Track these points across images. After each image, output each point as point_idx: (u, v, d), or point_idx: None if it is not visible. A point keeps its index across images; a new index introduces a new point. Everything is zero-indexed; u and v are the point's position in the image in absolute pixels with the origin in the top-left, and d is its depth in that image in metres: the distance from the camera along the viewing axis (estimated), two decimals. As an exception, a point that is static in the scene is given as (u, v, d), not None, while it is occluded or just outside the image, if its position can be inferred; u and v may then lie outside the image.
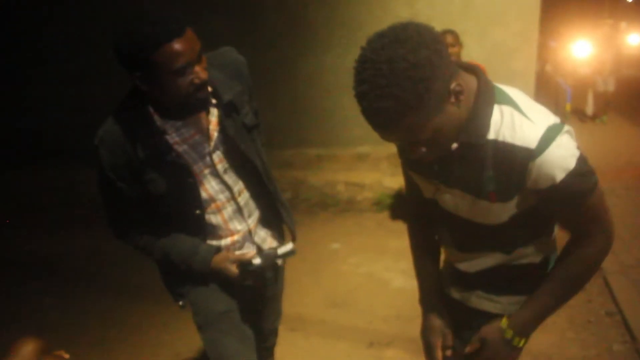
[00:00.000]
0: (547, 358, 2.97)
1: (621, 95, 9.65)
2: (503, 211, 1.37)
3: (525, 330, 1.46)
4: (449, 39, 4.02)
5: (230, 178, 1.80)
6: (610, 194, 5.18)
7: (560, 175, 1.24)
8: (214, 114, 1.71)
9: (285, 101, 5.80)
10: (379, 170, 5.81)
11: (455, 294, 1.66)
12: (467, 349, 1.54)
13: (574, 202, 1.29)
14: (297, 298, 3.50)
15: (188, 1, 1.49)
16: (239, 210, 1.84)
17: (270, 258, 1.83)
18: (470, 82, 1.30)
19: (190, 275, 1.84)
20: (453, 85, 1.20)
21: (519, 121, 1.26)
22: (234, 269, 1.79)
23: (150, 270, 2.06)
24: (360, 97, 1.16)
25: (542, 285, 1.44)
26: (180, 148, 1.68)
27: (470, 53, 5.25)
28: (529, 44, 5.46)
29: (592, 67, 9.40)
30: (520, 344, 1.47)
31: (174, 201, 1.74)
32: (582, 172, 1.26)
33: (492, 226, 1.42)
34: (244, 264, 1.79)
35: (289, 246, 1.83)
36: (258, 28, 5.58)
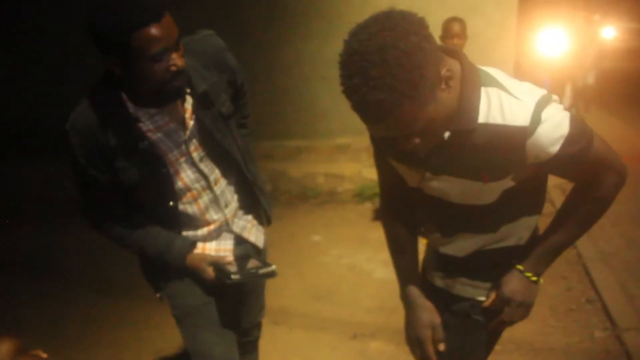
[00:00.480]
0: (530, 346, 2.99)
1: (600, 88, 9.76)
2: (496, 189, 1.37)
3: (538, 267, 1.48)
4: (456, 28, 3.70)
5: (207, 167, 1.76)
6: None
7: (559, 142, 1.24)
8: (189, 102, 1.67)
9: (263, 92, 5.74)
10: (359, 161, 5.80)
11: (439, 282, 1.64)
12: (485, 303, 1.53)
13: (579, 158, 1.29)
14: (279, 291, 3.45)
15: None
16: (215, 200, 1.81)
17: (250, 276, 1.80)
18: (455, 66, 1.27)
19: (166, 269, 1.81)
20: (443, 71, 1.17)
21: (508, 101, 1.25)
22: (210, 272, 1.76)
23: (128, 266, 2.02)
24: (351, 91, 1.12)
25: (553, 224, 1.46)
26: (155, 136, 1.64)
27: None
28: (507, 33, 5.48)
29: (570, 60, 9.44)
30: (538, 281, 1.49)
31: (147, 192, 1.70)
32: (578, 129, 1.26)
33: (482, 206, 1.40)
34: (222, 273, 1.75)
35: (271, 267, 1.81)
36: (235, 17, 5.50)
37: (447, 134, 1.28)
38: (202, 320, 1.85)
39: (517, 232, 1.50)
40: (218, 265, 1.77)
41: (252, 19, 5.58)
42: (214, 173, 1.78)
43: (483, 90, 1.27)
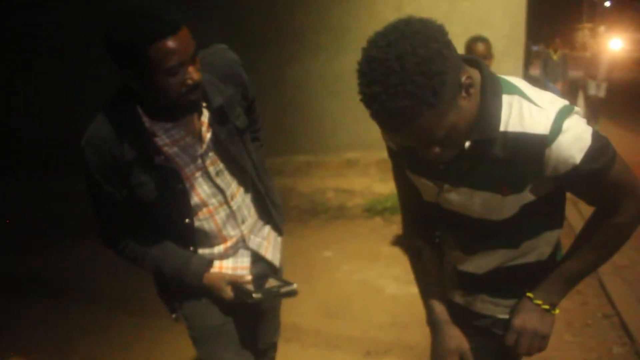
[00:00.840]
0: (546, 362, 2.93)
1: (608, 99, 9.72)
2: (515, 203, 1.32)
3: (550, 295, 1.41)
4: (480, 48, 3.64)
5: (223, 181, 1.74)
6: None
7: (579, 156, 1.20)
8: (205, 115, 1.66)
9: (272, 108, 5.75)
10: (369, 176, 5.79)
11: (459, 299, 1.59)
12: (507, 341, 1.46)
13: (599, 177, 1.24)
14: (291, 307, 3.39)
15: (174, 6, 1.51)
16: (232, 215, 1.79)
17: (271, 295, 1.77)
18: (475, 75, 1.25)
19: (183, 289, 1.78)
20: (464, 79, 1.15)
21: (528, 109, 1.23)
22: (228, 291, 1.73)
23: (139, 283, 1.99)
24: (371, 99, 1.09)
25: (570, 251, 1.40)
26: (170, 150, 1.63)
27: (458, 56, 5.24)
28: (516, 46, 5.47)
29: (584, 70, 9.42)
30: (552, 311, 1.42)
31: (162, 208, 1.68)
32: (600, 145, 1.22)
33: (502, 220, 1.37)
34: (243, 292, 1.72)
35: (292, 286, 1.78)
36: (244, 34, 5.53)
37: (467, 144, 1.25)
38: (221, 341, 1.82)
39: (539, 247, 1.45)
40: (237, 284, 1.74)
41: (261, 35, 5.60)
42: (231, 187, 1.76)
43: (504, 98, 1.25)
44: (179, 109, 1.57)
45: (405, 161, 1.45)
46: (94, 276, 4.28)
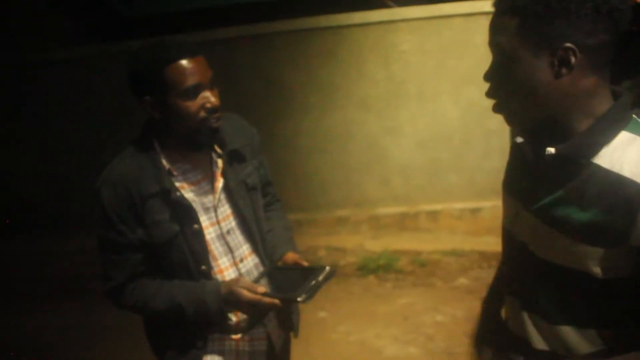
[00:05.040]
0: None
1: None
2: (590, 257, 1.11)
3: None
4: None
5: (233, 240, 1.67)
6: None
7: None
8: (218, 164, 1.64)
9: (262, 167, 5.74)
10: (360, 234, 5.73)
11: None
12: None
13: None
14: (286, 373, 3.29)
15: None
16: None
17: (316, 290, 1.56)
18: (604, 102, 1.12)
19: (200, 322, 1.63)
20: (567, 45, 1.05)
21: None
22: (246, 293, 1.53)
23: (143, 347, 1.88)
24: None
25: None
26: (187, 194, 1.58)
27: (446, 113, 5.29)
28: (503, 102, 5.53)
29: None
30: None
31: (177, 252, 1.59)
32: None
33: (566, 269, 1.15)
34: (284, 298, 1.56)
35: (325, 269, 1.61)
36: (233, 92, 5.56)
37: (552, 151, 1.12)
38: None
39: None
40: (272, 294, 1.56)
41: (249, 93, 5.64)
42: (241, 249, 1.69)
43: (624, 134, 1.09)
44: (199, 137, 1.55)
45: (505, 180, 1.37)
46: (86, 342, 4.08)
